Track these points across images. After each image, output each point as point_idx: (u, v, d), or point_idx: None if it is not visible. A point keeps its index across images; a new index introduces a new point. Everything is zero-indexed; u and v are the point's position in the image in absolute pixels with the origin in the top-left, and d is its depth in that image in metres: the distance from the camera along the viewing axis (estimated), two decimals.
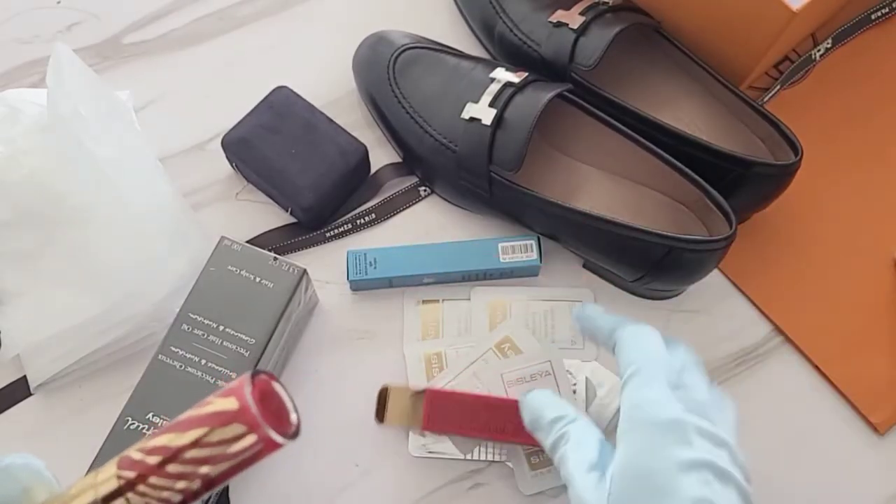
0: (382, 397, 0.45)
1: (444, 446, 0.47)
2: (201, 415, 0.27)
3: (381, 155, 0.57)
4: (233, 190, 0.56)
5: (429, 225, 0.55)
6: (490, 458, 0.47)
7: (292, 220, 0.55)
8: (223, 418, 0.27)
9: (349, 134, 0.54)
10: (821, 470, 0.48)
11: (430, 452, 0.48)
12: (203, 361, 0.43)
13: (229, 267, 0.46)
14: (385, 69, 0.55)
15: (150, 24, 0.61)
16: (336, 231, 0.54)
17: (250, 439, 0.27)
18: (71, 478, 0.46)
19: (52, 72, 0.48)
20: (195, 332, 0.44)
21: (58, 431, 0.49)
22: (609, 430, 0.47)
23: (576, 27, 0.52)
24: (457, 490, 0.47)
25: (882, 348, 0.51)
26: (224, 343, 0.44)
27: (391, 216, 0.55)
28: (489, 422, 0.45)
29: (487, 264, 0.51)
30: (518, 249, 0.52)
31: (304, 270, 0.46)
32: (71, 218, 0.48)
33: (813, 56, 0.59)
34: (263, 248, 0.47)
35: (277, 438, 0.27)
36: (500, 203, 0.51)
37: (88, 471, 0.41)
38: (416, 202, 0.55)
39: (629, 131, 0.50)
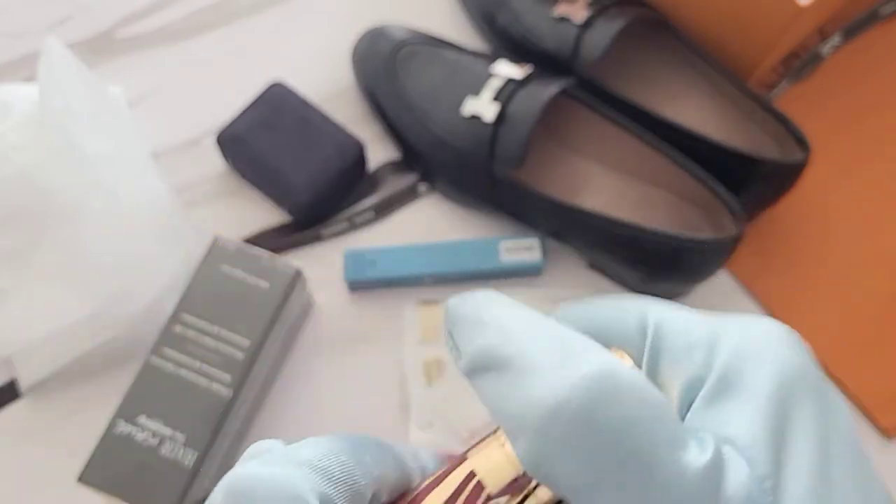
0: None
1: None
2: None
3: (380, 151, 0.56)
4: (227, 187, 0.55)
5: (428, 223, 0.54)
6: None
7: (288, 218, 0.54)
8: None
9: (346, 130, 0.53)
10: None
11: None
12: (197, 364, 0.42)
13: (223, 267, 0.45)
14: (385, 64, 0.54)
15: (144, 19, 0.60)
16: (333, 230, 0.53)
17: None
18: (61, 481, 0.45)
19: (43, 67, 0.48)
20: (188, 333, 0.43)
21: (48, 434, 0.48)
22: None
23: (580, 21, 0.51)
24: None
25: (893, 351, 0.50)
26: (218, 345, 0.43)
27: (390, 214, 0.54)
28: None
29: (488, 264, 0.50)
30: (520, 249, 0.50)
31: (300, 270, 0.45)
32: (61, 215, 0.47)
33: (821, 52, 0.59)
34: (258, 248, 0.46)
35: None
36: (502, 201, 0.50)
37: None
38: (416, 200, 0.54)
39: (635, 127, 0.49)
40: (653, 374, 0.19)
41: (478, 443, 0.20)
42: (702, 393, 0.18)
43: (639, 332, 0.19)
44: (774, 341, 0.18)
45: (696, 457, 0.16)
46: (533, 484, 0.19)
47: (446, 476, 0.19)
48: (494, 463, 0.19)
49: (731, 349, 0.18)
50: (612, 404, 0.16)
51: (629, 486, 0.16)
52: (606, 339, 0.19)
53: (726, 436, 0.17)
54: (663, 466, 0.16)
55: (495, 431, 0.19)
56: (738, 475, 0.16)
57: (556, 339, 0.18)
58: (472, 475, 0.19)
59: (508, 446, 0.19)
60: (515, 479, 0.19)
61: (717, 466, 0.16)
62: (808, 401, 0.17)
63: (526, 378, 0.17)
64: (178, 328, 0.43)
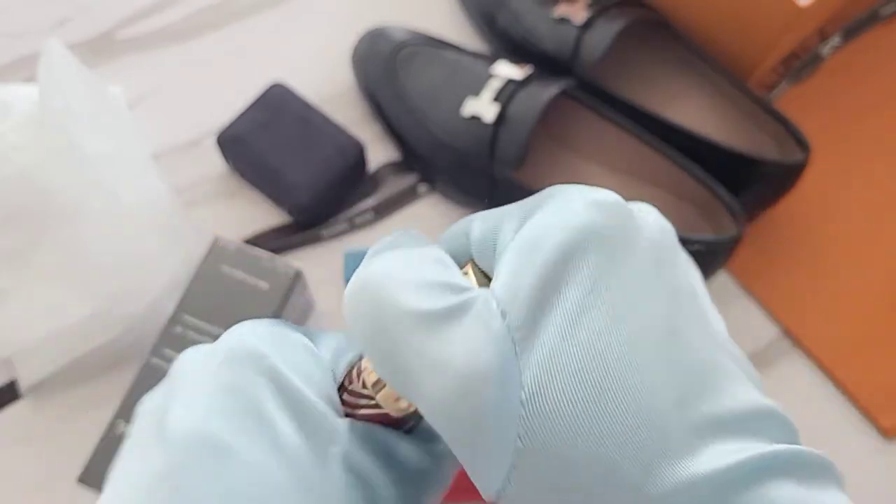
0: None
1: None
2: None
3: (380, 152, 0.56)
4: (227, 187, 0.55)
5: (429, 224, 0.54)
6: None
7: (288, 219, 0.54)
8: None
9: (346, 131, 0.53)
10: None
11: None
12: None
13: (223, 267, 0.45)
14: (385, 65, 0.54)
15: (144, 19, 0.60)
16: (333, 230, 0.53)
17: None
18: (61, 483, 0.45)
19: (43, 67, 0.48)
20: (188, 334, 0.43)
21: (48, 435, 0.48)
22: None
23: (580, 22, 0.51)
24: None
25: (893, 351, 0.50)
26: None
27: (390, 215, 0.54)
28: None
29: None
30: None
31: (300, 271, 0.45)
32: (61, 215, 0.47)
33: (821, 52, 0.58)
34: (258, 248, 0.46)
35: None
36: (501, 201, 0.50)
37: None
38: (416, 201, 0.54)
39: (635, 128, 0.49)
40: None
41: None
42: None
43: (467, 240, 0.23)
44: (571, 209, 0.19)
45: (436, 302, 0.19)
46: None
47: None
48: None
49: (530, 225, 0.20)
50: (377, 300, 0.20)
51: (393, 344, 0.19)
52: (457, 257, 0.22)
53: (493, 290, 0.19)
54: (405, 319, 0.19)
55: None
56: (485, 323, 0.18)
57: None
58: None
59: None
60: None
61: (457, 310, 0.18)
62: (591, 255, 0.18)
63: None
64: (178, 328, 0.43)
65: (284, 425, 0.21)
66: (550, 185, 0.51)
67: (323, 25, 0.60)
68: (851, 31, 0.59)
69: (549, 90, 0.48)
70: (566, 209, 0.19)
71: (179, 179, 0.54)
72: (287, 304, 0.44)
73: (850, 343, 0.50)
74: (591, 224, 0.19)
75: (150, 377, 0.42)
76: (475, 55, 0.54)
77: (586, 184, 0.21)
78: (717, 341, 0.20)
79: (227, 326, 0.43)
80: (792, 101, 0.57)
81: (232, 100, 0.54)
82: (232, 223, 0.53)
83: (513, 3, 0.55)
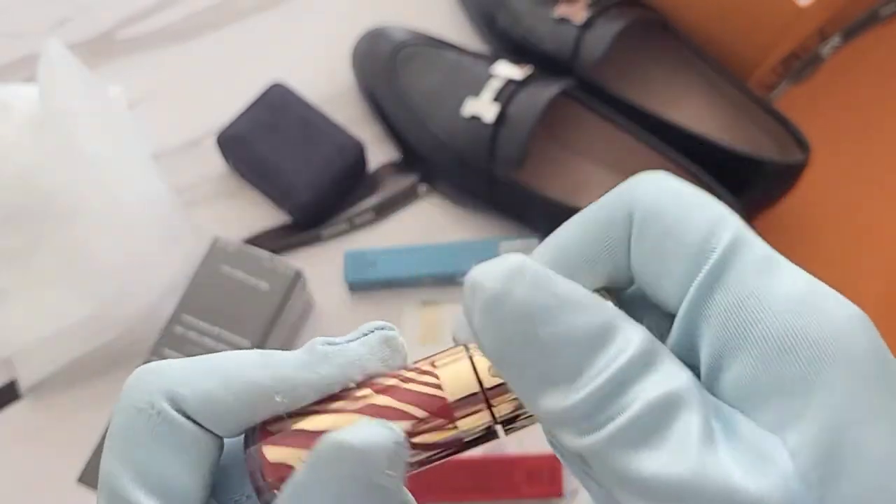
0: None
1: None
2: None
3: (380, 152, 0.56)
4: (227, 187, 0.55)
5: (428, 224, 0.54)
6: None
7: (288, 219, 0.54)
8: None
9: (346, 131, 0.53)
10: None
11: None
12: None
13: (223, 267, 0.45)
14: (385, 65, 0.54)
15: (144, 19, 0.60)
16: (333, 230, 0.53)
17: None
18: (61, 481, 0.45)
19: (43, 67, 0.48)
20: (189, 334, 0.43)
21: (48, 434, 0.48)
22: None
23: (580, 22, 0.51)
24: None
25: (894, 351, 0.50)
26: (218, 346, 0.43)
27: (390, 215, 0.54)
28: (471, 482, 0.44)
29: None
30: (520, 249, 0.50)
31: (300, 271, 0.45)
32: (61, 216, 0.47)
33: (821, 53, 0.58)
34: (258, 248, 0.46)
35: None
36: (501, 201, 0.50)
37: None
38: (416, 201, 0.54)
39: (634, 128, 0.49)
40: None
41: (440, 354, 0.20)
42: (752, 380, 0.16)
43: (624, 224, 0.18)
44: (849, 333, 0.15)
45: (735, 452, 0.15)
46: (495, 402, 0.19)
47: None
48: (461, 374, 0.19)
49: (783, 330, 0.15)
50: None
51: None
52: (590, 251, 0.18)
53: (779, 434, 0.15)
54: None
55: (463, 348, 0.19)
56: (780, 477, 0.14)
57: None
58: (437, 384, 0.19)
59: (478, 358, 0.19)
60: (474, 394, 0.19)
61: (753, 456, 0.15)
62: (878, 411, 0.15)
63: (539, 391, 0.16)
64: (178, 329, 0.43)
65: None
66: (550, 184, 0.51)
67: (323, 25, 0.60)
68: (851, 31, 0.59)
69: (549, 90, 0.48)
70: (834, 310, 0.16)
71: (179, 179, 0.54)
72: (287, 304, 0.44)
73: None
74: (869, 336, 0.16)
75: None
76: (475, 55, 0.54)
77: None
78: None
79: (228, 326, 0.43)
80: (792, 101, 0.57)
81: (232, 100, 0.54)
82: (232, 223, 0.53)
83: (513, 3, 0.55)
